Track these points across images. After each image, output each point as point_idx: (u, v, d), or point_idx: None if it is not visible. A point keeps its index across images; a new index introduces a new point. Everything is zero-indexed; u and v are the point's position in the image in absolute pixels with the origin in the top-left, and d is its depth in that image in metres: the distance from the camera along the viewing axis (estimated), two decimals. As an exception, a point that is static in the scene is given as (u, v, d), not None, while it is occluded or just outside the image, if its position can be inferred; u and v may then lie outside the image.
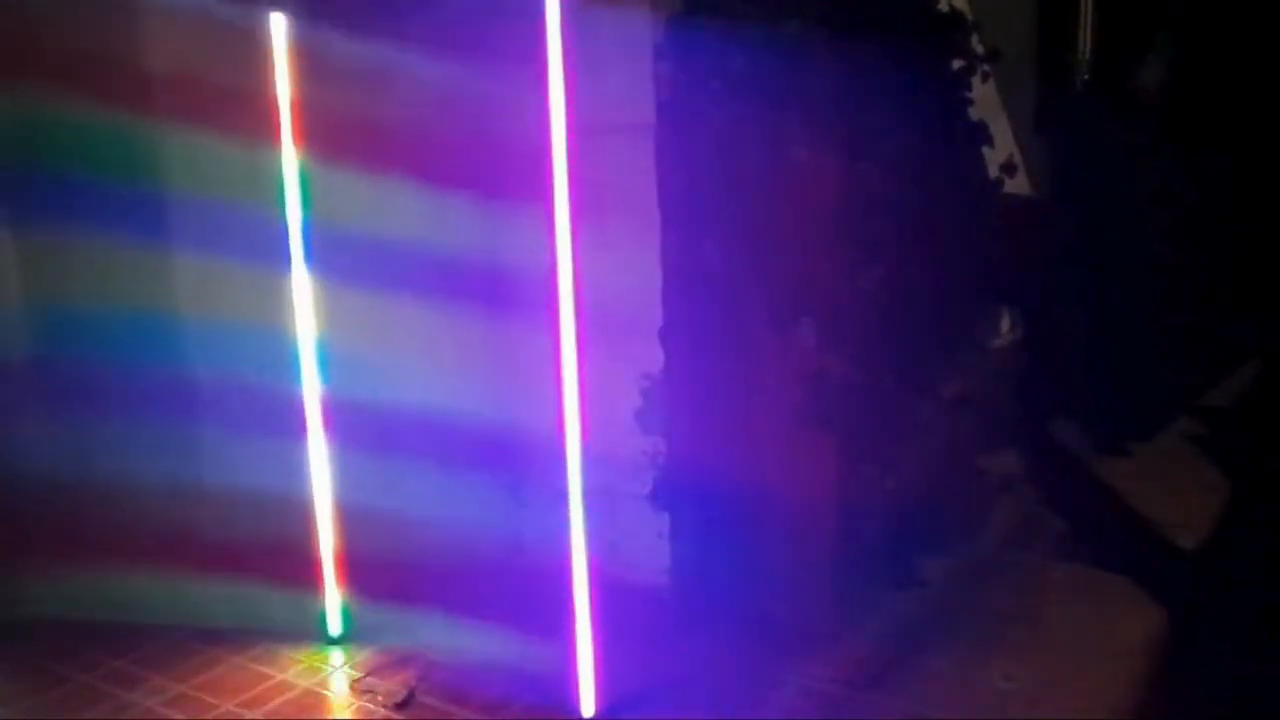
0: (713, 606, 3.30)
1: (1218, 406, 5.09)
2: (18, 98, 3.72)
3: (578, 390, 2.71)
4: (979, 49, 3.39)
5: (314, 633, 3.27)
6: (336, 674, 3.13)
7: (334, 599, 3.28)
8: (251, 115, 3.19)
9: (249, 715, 2.92)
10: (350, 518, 3.39)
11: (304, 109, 3.13)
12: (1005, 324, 4.21)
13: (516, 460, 3.59)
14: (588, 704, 2.84)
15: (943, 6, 3.35)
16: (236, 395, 3.40)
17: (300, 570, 3.29)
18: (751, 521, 3.22)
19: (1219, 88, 4.91)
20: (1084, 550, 3.74)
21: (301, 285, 3.16)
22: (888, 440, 3.13)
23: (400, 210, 3.54)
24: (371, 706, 2.96)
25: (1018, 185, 3.88)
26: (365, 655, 3.20)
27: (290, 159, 3.10)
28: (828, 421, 2.99)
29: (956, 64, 3.31)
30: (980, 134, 3.38)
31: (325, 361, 3.23)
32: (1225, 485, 4.27)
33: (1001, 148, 3.57)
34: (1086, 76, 5.09)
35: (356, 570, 3.33)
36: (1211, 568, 3.65)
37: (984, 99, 3.53)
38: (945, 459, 3.45)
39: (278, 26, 3.04)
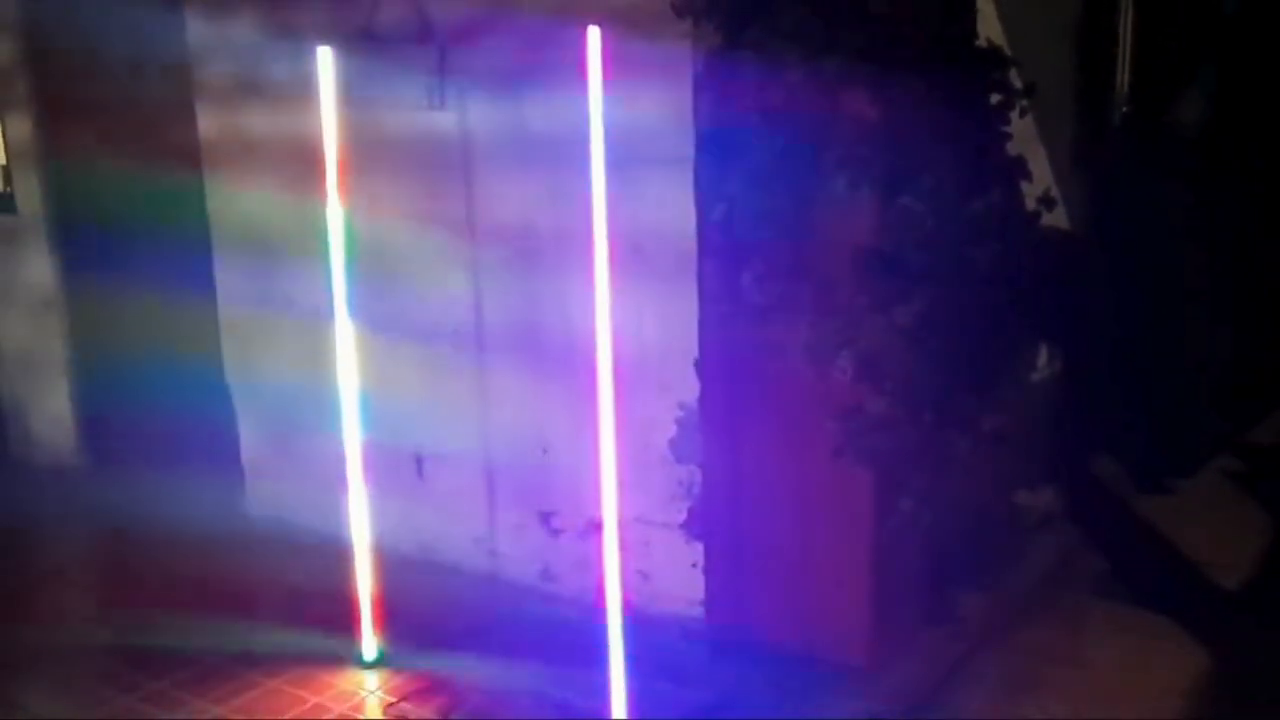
0: (746, 639, 3.28)
1: (1260, 443, 5.01)
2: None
3: (613, 419, 2.72)
4: (1017, 84, 3.39)
5: (349, 658, 3.29)
6: (370, 699, 3.14)
7: (369, 623, 3.30)
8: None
9: (284, 739, 2.95)
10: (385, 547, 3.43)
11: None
12: (1042, 358, 4.19)
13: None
14: (621, 734, 2.83)
15: (981, 42, 3.36)
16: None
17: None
18: (787, 554, 3.21)
19: (1261, 122, 4.87)
20: (1124, 588, 3.69)
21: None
22: (925, 474, 3.11)
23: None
24: (405, 732, 2.98)
25: (1055, 219, 3.86)
26: (399, 681, 3.21)
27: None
28: (865, 455, 2.98)
29: (995, 99, 3.32)
30: (1018, 168, 3.38)
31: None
32: (1268, 523, 4.20)
33: (1039, 182, 3.57)
34: (1125, 110, 5.07)
35: (391, 595, 3.35)
36: (1254, 607, 3.59)
37: (1021, 133, 3.53)
38: (983, 494, 3.43)
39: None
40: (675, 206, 3.14)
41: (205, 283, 4.27)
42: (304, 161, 3.47)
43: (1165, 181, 4.65)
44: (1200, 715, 2.98)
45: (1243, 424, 5.09)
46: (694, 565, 3.34)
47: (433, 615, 3.48)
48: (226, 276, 4.27)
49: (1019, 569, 3.72)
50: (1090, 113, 4.92)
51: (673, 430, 3.28)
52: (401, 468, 3.86)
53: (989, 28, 3.55)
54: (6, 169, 4.83)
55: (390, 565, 3.40)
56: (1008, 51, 3.42)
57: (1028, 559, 3.80)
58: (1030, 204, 3.50)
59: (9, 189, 4.81)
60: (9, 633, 3.55)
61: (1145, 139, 4.82)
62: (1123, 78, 5.03)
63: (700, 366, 3.21)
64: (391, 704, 3.11)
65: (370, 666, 3.28)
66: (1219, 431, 4.89)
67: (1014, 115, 3.37)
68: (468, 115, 3.53)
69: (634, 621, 2.83)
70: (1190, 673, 3.15)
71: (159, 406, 4.25)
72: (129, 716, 3.06)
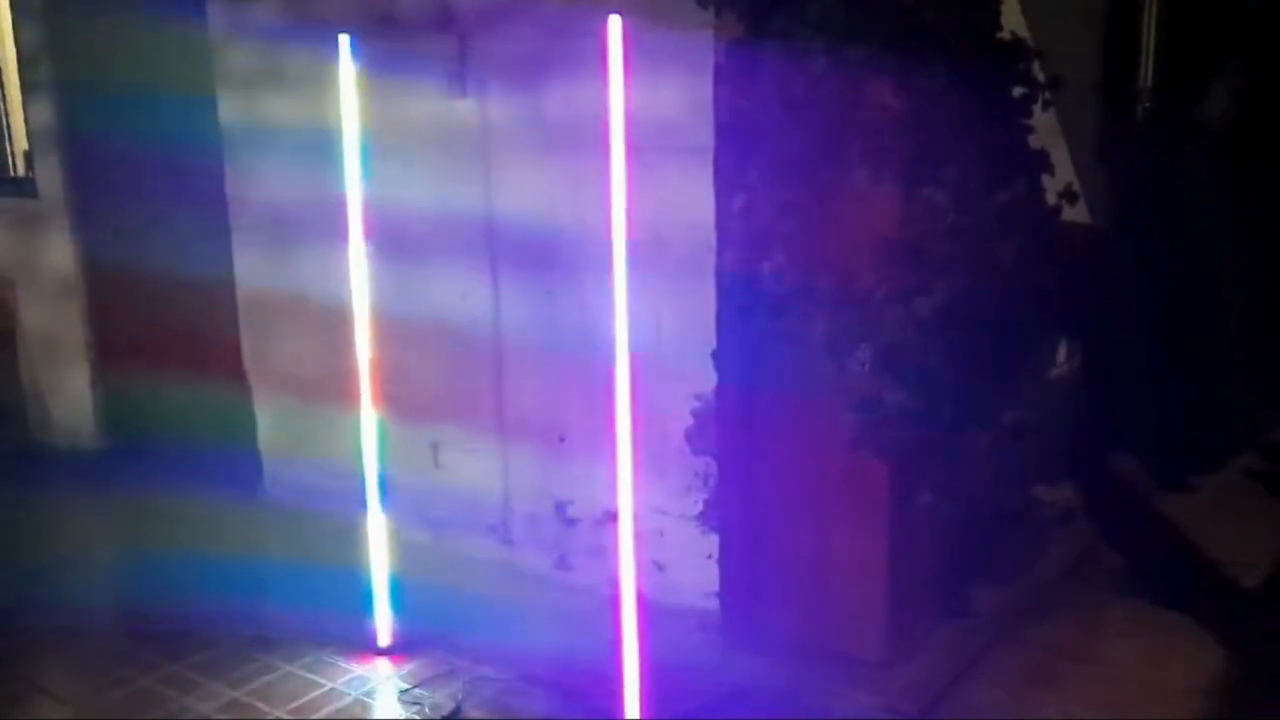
0: (761, 631, 3.28)
1: (1281, 442, 4.97)
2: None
3: (629, 410, 2.71)
4: (1040, 76, 3.36)
5: (363, 644, 3.31)
6: (384, 685, 3.16)
7: (384, 609, 3.31)
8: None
9: (299, 723, 2.97)
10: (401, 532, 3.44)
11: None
12: (1062, 353, 4.16)
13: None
14: (634, 725, 2.83)
15: (1005, 34, 3.33)
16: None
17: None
18: (803, 547, 3.20)
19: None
20: (1143, 586, 3.66)
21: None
22: (944, 468, 3.10)
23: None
24: (419, 718, 2.98)
25: (1077, 213, 3.83)
26: (413, 667, 3.23)
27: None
28: (883, 447, 2.97)
29: (1018, 91, 3.29)
30: (1041, 162, 3.35)
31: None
32: (1289, 523, 4.17)
33: (1061, 176, 3.54)
34: (1148, 105, 5.02)
35: (407, 582, 3.36)
36: (1274, 606, 3.56)
37: (1044, 126, 3.50)
38: (1002, 488, 3.40)
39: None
40: (695, 196, 3.13)
41: (225, 267, 4.29)
42: (324, 148, 3.47)
43: (1189, 176, 4.60)
44: (1219, 714, 2.95)
45: (1264, 422, 5.05)
46: (709, 557, 3.33)
47: (447, 603, 3.49)
48: (245, 261, 4.28)
49: (1037, 564, 3.70)
50: (1113, 106, 4.87)
51: (689, 421, 3.28)
52: (418, 455, 3.87)
53: (1013, 20, 3.52)
54: (28, 154, 4.86)
55: (406, 552, 3.41)
56: (1032, 44, 3.39)
57: (1046, 554, 3.78)
58: (1052, 198, 3.48)
59: (30, 173, 4.84)
60: (29, 614, 3.58)
61: (1169, 133, 4.77)
62: (1146, 71, 4.98)
63: (717, 357, 3.20)
64: (405, 691, 3.12)
65: (384, 653, 3.30)
66: (1240, 429, 4.85)
67: (1036, 108, 3.34)
68: (488, 103, 3.53)
69: (648, 612, 2.83)
70: (1209, 671, 3.13)
71: (178, 391, 4.27)
72: (147, 698, 3.09)
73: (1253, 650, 3.25)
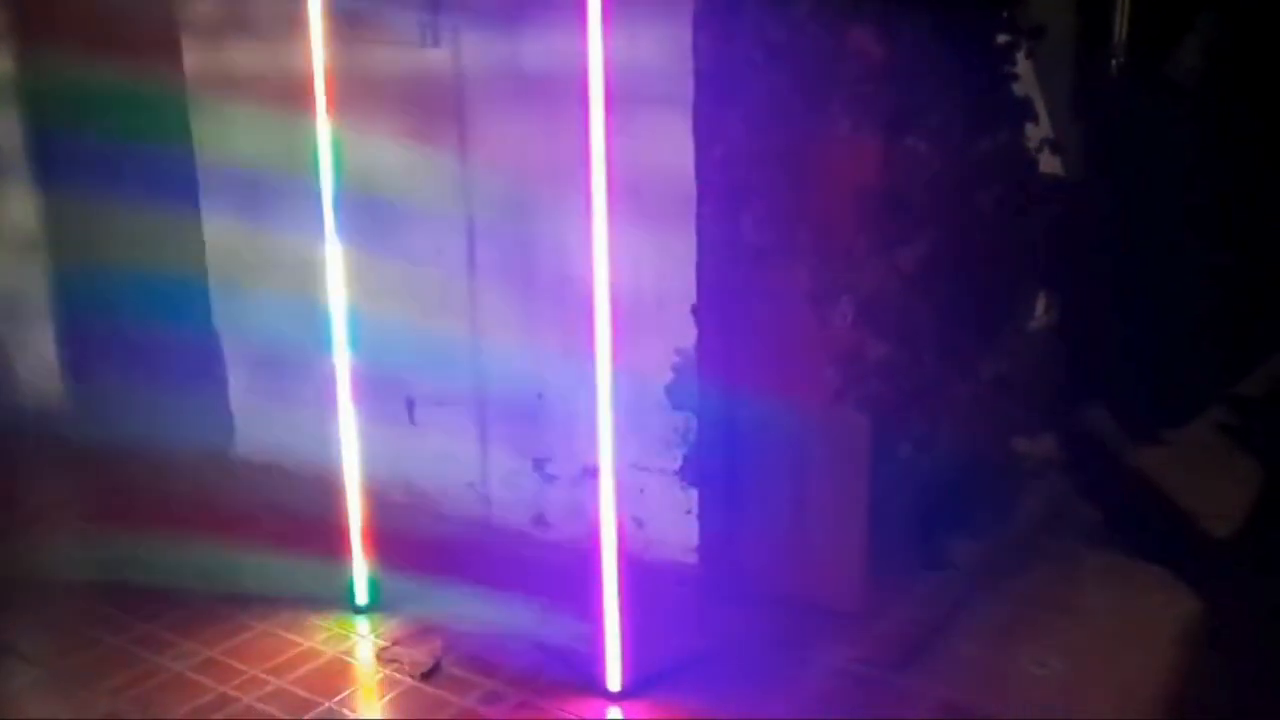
0: (741, 584, 3.28)
1: (1252, 395, 5.02)
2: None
3: (609, 365, 2.68)
4: (1023, 24, 3.33)
5: (340, 602, 3.28)
6: (363, 643, 3.14)
7: (361, 567, 3.28)
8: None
9: (276, 681, 2.94)
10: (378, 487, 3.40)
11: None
12: (1040, 305, 4.16)
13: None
14: (614, 679, 2.83)
15: (987, -19, 3.30)
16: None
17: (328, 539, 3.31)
18: (782, 500, 3.20)
19: (1260, 73, 4.81)
20: (1117, 538, 3.70)
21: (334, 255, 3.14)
22: (923, 419, 3.10)
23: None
24: (398, 676, 2.96)
25: (1051, 166, 3.82)
26: (392, 625, 3.21)
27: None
28: (864, 400, 2.96)
29: (1001, 38, 3.26)
30: (1025, 110, 3.32)
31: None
32: (1259, 474, 4.22)
33: (1040, 128, 3.52)
34: (1122, 59, 5.01)
35: (384, 540, 3.33)
36: (1245, 557, 3.61)
37: (1022, 78, 3.47)
38: (981, 440, 3.41)
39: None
40: (674, 147, 3.08)
41: (193, 218, 4.19)
42: (292, 99, 3.38)
43: (1162, 131, 4.60)
44: (1192, 662, 2.99)
45: (1235, 376, 5.10)
46: (688, 512, 3.33)
47: (425, 560, 3.47)
48: (214, 212, 4.19)
49: (1013, 517, 3.73)
50: (1088, 60, 4.85)
51: (669, 376, 3.25)
52: (393, 411, 3.82)
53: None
54: (-14, 105, 4.72)
55: (382, 510, 3.37)
56: (1014, -9, 3.36)
57: (1022, 507, 3.80)
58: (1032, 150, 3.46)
59: (-11, 125, 4.70)
60: (1, 576, 3.53)
61: (1142, 88, 4.76)
62: (1121, 26, 4.96)
63: (697, 311, 3.17)
64: (384, 648, 3.10)
65: (362, 611, 3.27)
66: (1212, 383, 4.89)
67: (1020, 56, 3.31)
68: (461, 53, 3.44)
69: (627, 568, 2.82)
70: (1181, 620, 3.17)
71: (145, 347, 4.19)
72: (120, 657, 3.05)
73: (1225, 599, 3.29)
